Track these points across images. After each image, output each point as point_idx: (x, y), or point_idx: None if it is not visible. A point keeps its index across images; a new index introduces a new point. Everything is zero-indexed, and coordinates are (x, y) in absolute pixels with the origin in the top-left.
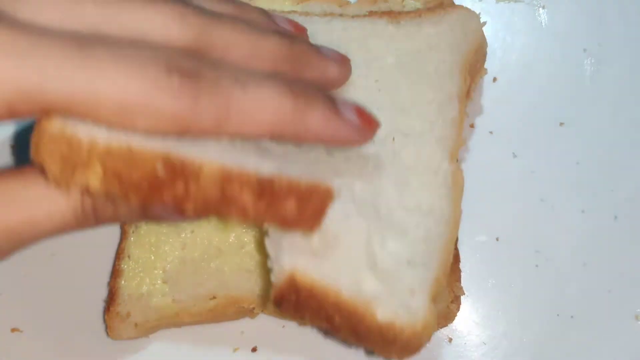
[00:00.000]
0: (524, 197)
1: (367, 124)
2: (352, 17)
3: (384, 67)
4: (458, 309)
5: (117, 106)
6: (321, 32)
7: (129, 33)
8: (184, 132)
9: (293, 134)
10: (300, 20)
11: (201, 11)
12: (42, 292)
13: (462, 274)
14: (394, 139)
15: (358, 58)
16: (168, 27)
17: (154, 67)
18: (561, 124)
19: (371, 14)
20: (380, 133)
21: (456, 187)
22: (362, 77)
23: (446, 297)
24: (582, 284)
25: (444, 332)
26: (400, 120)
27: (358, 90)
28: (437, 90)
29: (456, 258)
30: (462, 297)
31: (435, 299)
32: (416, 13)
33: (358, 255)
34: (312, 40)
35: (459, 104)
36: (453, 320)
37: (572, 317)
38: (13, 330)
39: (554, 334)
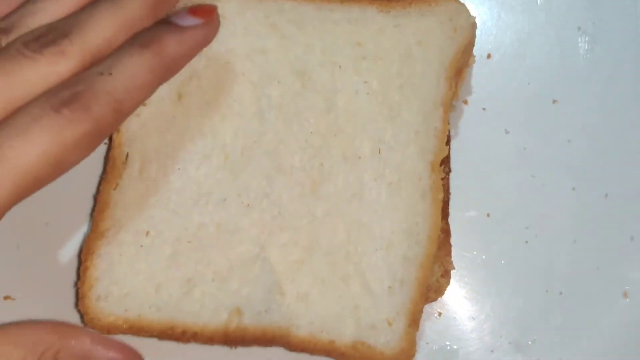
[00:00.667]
0: (516, 174)
1: (207, 14)
2: (342, 2)
3: (372, 66)
4: (448, 283)
5: (47, 165)
6: (311, 24)
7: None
8: (103, 137)
9: (170, 70)
10: (289, 6)
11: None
12: (36, 260)
13: (453, 249)
14: (379, 150)
15: (348, 56)
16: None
17: (45, 118)
18: (554, 101)
19: None
20: (367, 146)
21: (435, 201)
22: (352, 78)
23: (436, 271)
24: (572, 260)
25: (433, 306)
26: (387, 129)
27: (349, 94)
28: (423, 96)
29: (446, 233)
30: (452, 272)
31: (412, 322)
32: (406, 1)
33: (340, 302)
34: (302, 32)
35: (443, 113)
36: (443, 294)
37: (560, 293)
38: (6, 297)
39: (542, 310)
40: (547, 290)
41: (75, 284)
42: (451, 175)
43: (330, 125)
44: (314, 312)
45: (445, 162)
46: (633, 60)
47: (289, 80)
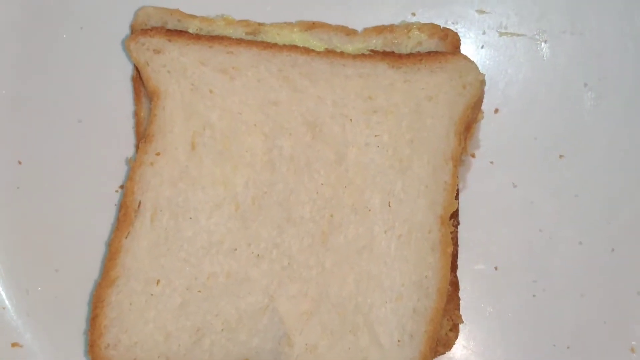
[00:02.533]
0: (523, 227)
1: None
2: (354, 57)
3: (383, 120)
4: (456, 337)
5: None
6: (324, 77)
7: None
8: None
9: None
10: (302, 60)
11: None
12: (44, 307)
13: (461, 302)
14: (389, 203)
15: (359, 109)
16: None
17: None
18: (561, 156)
19: (373, 54)
20: (377, 198)
21: (445, 255)
22: (363, 131)
23: (445, 325)
24: (579, 314)
25: (442, 358)
26: (397, 182)
27: (360, 147)
28: (433, 151)
29: (455, 286)
30: (461, 325)
31: None
32: (417, 57)
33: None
34: (314, 85)
35: (453, 167)
36: (451, 348)
37: (568, 347)
38: (13, 345)
39: None
40: (554, 345)
41: (86, 332)
42: (460, 228)
43: (340, 177)
44: None
45: (454, 215)
46: (638, 116)
47: (301, 132)
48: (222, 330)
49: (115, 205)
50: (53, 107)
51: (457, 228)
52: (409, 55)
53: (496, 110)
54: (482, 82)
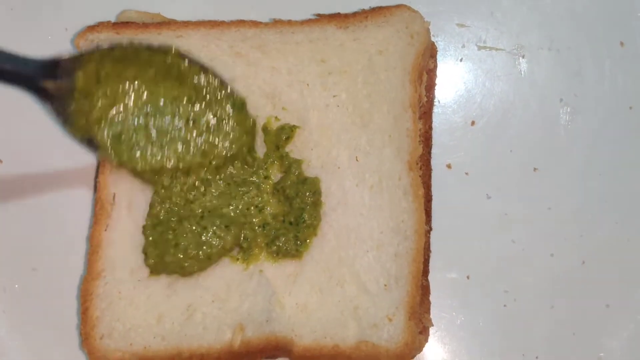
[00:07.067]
0: (496, 238)
1: None
2: (302, 24)
3: (339, 80)
4: (426, 340)
5: None
6: (275, 47)
7: None
8: None
9: None
10: (251, 34)
11: None
12: (21, 305)
13: (432, 310)
14: (357, 158)
15: (314, 73)
16: None
17: None
18: (535, 169)
19: (319, 17)
20: (344, 155)
21: (417, 197)
22: (321, 93)
23: (415, 328)
24: (549, 325)
25: None
26: (362, 136)
27: (320, 110)
28: (391, 101)
29: (426, 290)
30: (431, 331)
31: (411, 315)
32: (362, 15)
33: (339, 306)
34: (266, 56)
35: (412, 114)
36: (421, 350)
37: (537, 357)
38: None
39: None
40: (523, 354)
41: (78, 326)
42: (433, 236)
43: (305, 140)
44: (315, 320)
45: (424, 161)
46: (613, 132)
47: (261, 103)
48: (213, 301)
49: (93, 201)
50: (34, 106)
51: (429, 233)
52: (355, 14)
53: (473, 123)
54: (428, 30)
